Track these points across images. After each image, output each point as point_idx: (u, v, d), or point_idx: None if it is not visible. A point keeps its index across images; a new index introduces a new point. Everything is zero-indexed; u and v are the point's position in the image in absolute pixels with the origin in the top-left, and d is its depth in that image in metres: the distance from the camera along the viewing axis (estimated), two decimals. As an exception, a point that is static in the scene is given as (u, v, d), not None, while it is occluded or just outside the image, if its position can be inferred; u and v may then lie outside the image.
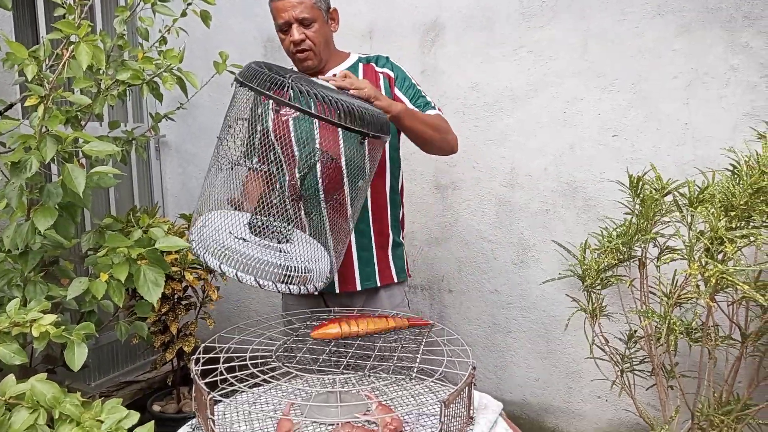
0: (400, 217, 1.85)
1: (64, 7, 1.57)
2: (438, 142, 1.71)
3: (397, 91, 1.71)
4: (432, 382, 1.34)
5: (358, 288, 1.74)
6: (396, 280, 1.79)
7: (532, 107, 2.36)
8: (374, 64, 1.74)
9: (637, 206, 1.82)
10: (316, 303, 1.76)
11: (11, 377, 0.95)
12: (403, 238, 1.86)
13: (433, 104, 1.74)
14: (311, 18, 1.61)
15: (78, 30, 1.38)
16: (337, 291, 1.74)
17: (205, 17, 1.79)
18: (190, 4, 1.76)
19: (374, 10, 2.59)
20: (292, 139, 1.60)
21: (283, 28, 1.64)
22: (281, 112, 1.52)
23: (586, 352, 1.98)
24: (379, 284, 1.75)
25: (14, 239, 1.37)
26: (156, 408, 2.60)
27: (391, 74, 1.73)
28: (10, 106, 1.74)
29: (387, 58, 1.77)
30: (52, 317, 1.06)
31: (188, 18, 1.78)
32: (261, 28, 2.80)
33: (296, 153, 1.58)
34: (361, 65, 1.74)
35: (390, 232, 1.79)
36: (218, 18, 2.14)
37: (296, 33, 1.61)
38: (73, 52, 1.39)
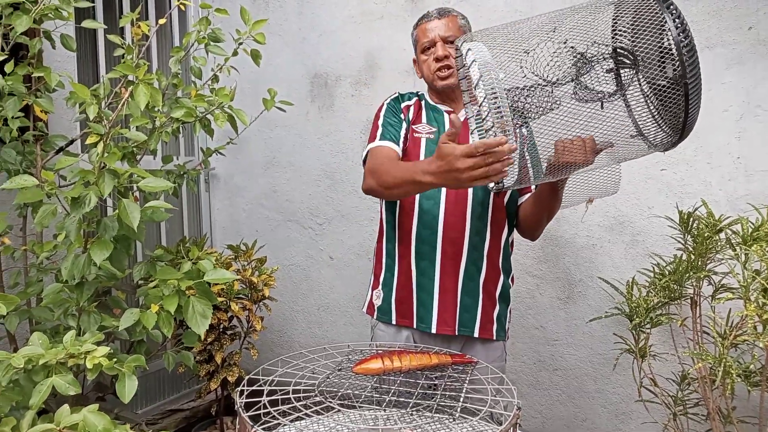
0: (510, 276, 1.77)
1: (123, 48, 1.65)
2: (546, 223, 1.70)
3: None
4: (476, 421, 1.32)
5: (456, 333, 1.66)
6: (494, 338, 1.71)
7: (578, 141, 2.33)
8: None
9: (688, 242, 1.77)
10: (406, 339, 1.70)
11: (66, 408, 0.98)
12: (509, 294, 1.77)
13: None
14: (456, 38, 1.54)
15: (136, 71, 1.45)
16: (434, 331, 1.65)
17: (255, 56, 1.83)
18: (241, 44, 1.81)
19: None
20: None
21: (428, 47, 1.65)
22: None
23: (635, 393, 1.91)
24: (476, 335, 1.67)
25: (71, 270, 1.42)
26: (199, 437, 2.63)
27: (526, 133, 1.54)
28: (71, 142, 1.82)
29: None
30: (105, 349, 1.09)
31: (238, 56, 1.82)
32: (307, 65, 2.88)
33: None
34: None
35: (500, 287, 1.71)
36: (267, 56, 2.20)
37: (440, 49, 1.62)
38: (131, 92, 1.46)
